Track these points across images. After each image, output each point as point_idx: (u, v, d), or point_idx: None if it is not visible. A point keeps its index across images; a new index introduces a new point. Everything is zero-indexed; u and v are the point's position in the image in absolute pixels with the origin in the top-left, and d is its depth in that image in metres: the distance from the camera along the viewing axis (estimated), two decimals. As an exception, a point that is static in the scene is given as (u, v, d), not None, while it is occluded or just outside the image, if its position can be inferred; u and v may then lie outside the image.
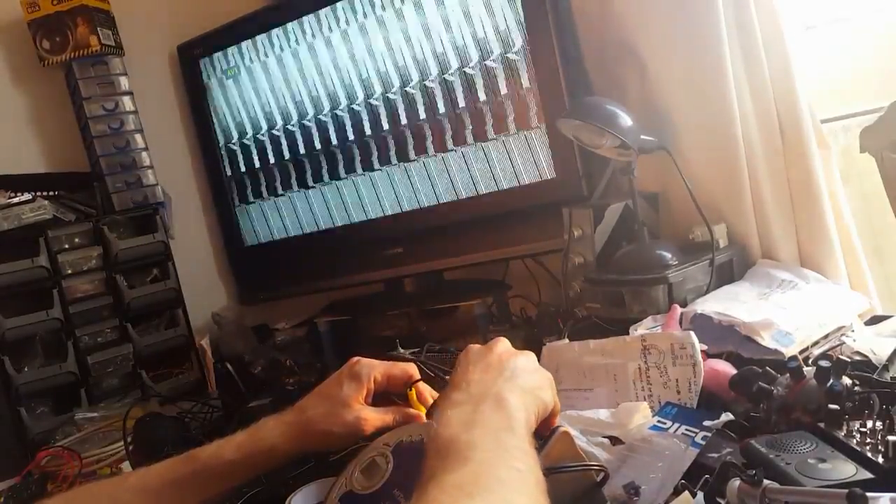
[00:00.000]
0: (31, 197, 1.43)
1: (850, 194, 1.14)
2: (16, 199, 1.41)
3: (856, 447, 0.63)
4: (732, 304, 0.98)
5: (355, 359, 0.81)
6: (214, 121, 1.69)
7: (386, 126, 1.45)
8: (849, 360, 0.74)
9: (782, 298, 1.00)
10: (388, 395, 0.81)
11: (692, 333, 0.85)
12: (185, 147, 1.77)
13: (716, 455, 0.69)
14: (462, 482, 0.49)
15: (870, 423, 0.66)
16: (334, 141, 1.52)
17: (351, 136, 1.50)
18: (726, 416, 0.75)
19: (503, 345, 0.70)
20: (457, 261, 1.43)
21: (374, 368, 0.80)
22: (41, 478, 1.17)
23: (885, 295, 1.14)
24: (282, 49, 1.55)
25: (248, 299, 1.78)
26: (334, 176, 1.54)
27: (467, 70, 1.33)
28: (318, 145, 1.55)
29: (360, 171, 1.50)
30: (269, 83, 1.59)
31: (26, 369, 1.38)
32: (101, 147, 1.54)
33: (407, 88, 1.40)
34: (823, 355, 0.86)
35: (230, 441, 0.76)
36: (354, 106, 1.48)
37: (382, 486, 0.65)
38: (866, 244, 1.14)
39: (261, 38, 1.58)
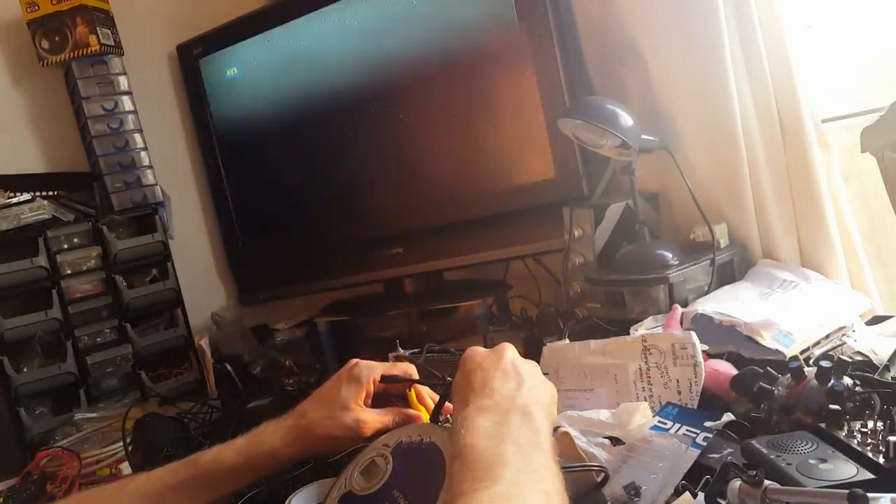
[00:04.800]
0: (30, 197, 1.43)
1: (852, 194, 1.14)
2: (15, 199, 1.41)
3: (857, 447, 0.63)
4: (733, 304, 0.97)
5: (354, 361, 0.81)
6: (214, 120, 1.69)
7: (385, 122, 1.45)
8: (850, 360, 0.74)
9: (783, 298, 1.00)
10: (387, 395, 0.81)
11: (693, 334, 0.85)
12: (184, 147, 1.77)
13: (717, 455, 0.69)
14: (493, 502, 0.50)
15: (871, 424, 0.66)
16: (334, 139, 1.52)
17: (350, 134, 1.50)
18: (727, 417, 0.75)
19: (513, 351, 0.70)
20: (457, 261, 1.43)
21: (373, 370, 0.79)
22: (40, 478, 1.17)
23: (885, 295, 1.14)
24: (281, 48, 1.55)
25: (247, 299, 1.77)
26: (334, 173, 1.54)
27: (467, 67, 1.33)
28: (317, 144, 1.55)
29: (359, 167, 1.50)
30: (269, 82, 1.59)
31: (25, 370, 1.38)
32: (100, 147, 1.54)
33: (405, 85, 1.40)
34: (824, 355, 0.86)
35: (230, 445, 0.76)
36: (353, 105, 1.48)
37: (382, 487, 0.65)
38: (867, 244, 1.14)
39: (260, 38, 1.57)
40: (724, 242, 1.14)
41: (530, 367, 0.69)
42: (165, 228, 1.56)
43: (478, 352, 0.70)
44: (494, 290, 1.46)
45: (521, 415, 0.61)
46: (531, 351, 0.81)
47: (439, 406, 0.75)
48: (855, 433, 0.66)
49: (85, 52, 1.51)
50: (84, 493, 0.82)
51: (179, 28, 1.70)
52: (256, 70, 1.60)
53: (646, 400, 0.84)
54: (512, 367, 0.67)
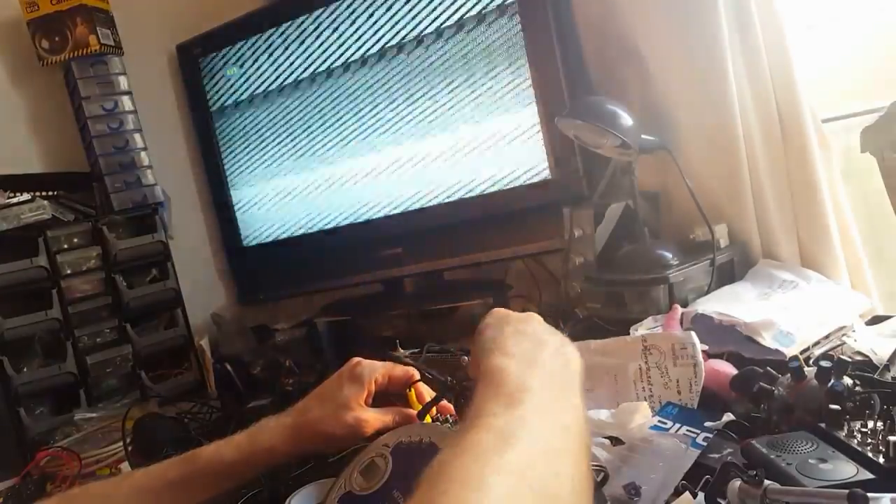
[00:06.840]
0: (30, 197, 1.42)
1: (851, 194, 1.14)
2: (15, 199, 1.40)
3: (857, 447, 0.63)
4: (733, 304, 0.97)
5: (356, 360, 0.81)
6: (214, 120, 1.69)
7: (386, 123, 1.45)
8: (850, 360, 0.74)
9: (783, 298, 1.00)
10: (387, 395, 0.81)
11: (693, 333, 0.85)
12: (184, 147, 1.77)
13: (717, 455, 0.69)
14: (507, 428, 0.49)
15: (871, 424, 0.66)
16: (333, 140, 1.52)
17: (350, 133, 1.50)
18: (727, 417, 0.75)
19: (540, 319, 0.68)
20: (457, 261, 1.43)
21: (375, 370, 0.79)
22: (40, 478, 1.17)
23: (885, 295, 1.14)
24: (281, 47, 1.55)
25: (247, 299, 1.77)
26: (334, 172, 1.54)
27: (466, 66, 1.33)
28: (317, 144, 1.55)
29: (359, 167, 1.50)
30: (269, 81, 1.59)
31: (25, 370, 1.37)
32: (100, 147, 1.54)
33: (405, 84, 1.40)
34: (824, 355, 0.86)
35: (230, 442, 0.76)
36: (353, 104, 1.48)
37: (381, 487, 0.65)
38: (867, 244, 1.14)
39: (260, 37, 1.57)
40: (724, 242, 1.14)
41: (560, 335, 0.67)
42: (165, 228, 1.56)
43: (504, 311, 0.68)
44: (494, 290, 1.46)
45: (556, 350, 0.60)
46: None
47: (432, 403, 0.75)
48: (855, 433, 0.66)
49: (85, 52, 1.51)
50: (80, 488, 0.81)
51: (179, 28, 1.70)
52: (256, 70, 1.60)
53: (646, 400, 0.84)
54: (542, 329, 0.65)
